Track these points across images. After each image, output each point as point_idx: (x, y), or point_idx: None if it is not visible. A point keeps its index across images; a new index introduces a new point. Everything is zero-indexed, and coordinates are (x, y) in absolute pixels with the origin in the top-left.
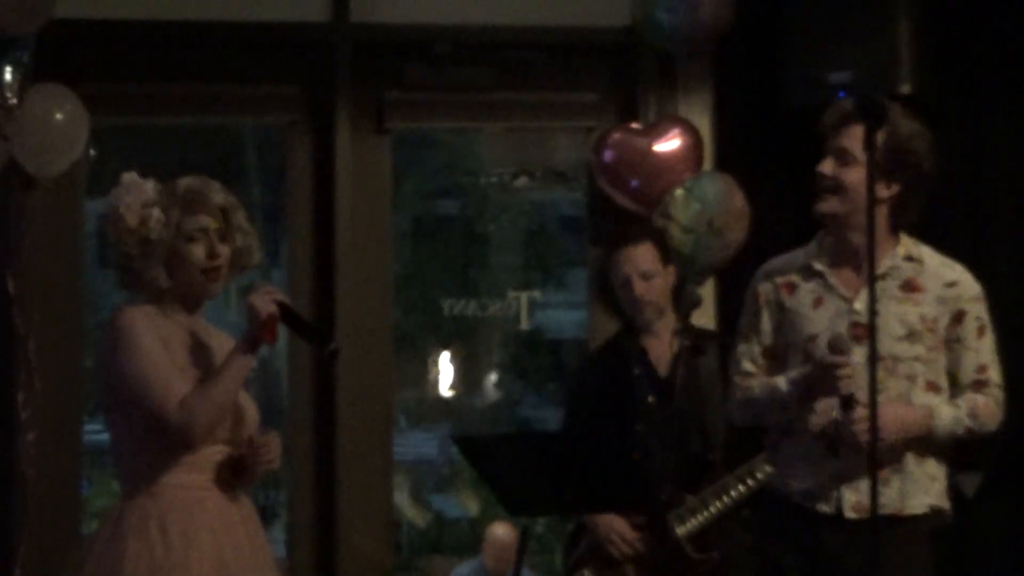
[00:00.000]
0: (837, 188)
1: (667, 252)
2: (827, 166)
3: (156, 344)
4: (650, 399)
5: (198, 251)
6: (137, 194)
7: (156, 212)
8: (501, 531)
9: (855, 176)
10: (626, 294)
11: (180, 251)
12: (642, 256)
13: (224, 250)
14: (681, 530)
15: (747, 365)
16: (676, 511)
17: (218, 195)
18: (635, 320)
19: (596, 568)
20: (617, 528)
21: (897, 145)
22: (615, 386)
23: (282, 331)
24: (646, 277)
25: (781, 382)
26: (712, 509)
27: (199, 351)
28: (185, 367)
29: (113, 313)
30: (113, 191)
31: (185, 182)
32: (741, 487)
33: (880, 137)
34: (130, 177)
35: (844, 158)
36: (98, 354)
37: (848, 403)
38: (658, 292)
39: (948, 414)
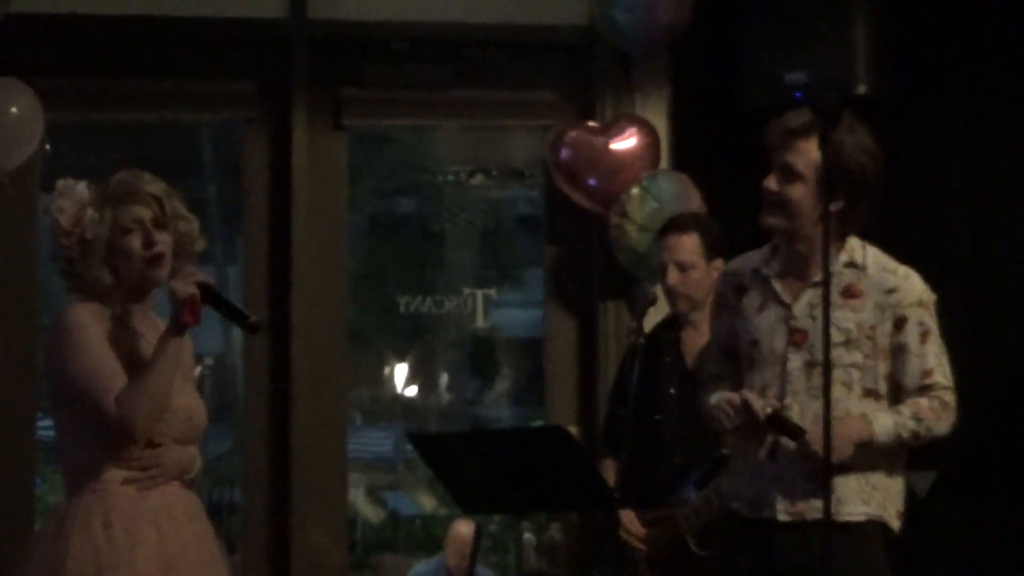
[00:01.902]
0: (781, 203)
1: (713, 246)
2: (772, 182)
3: (100, 341)
4: (672, 391)
5: (135, 242)
6: (71, 197)
7: (90, 211)
8: (464, 529)
9: (799, 192)
10: (661, 282)
11: (118, 245)
12: (683, 246)
13: (163, 238)
14: (687, 528)
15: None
16: (684, 509)
17: (150, 185)
18: (636, 310)
19: (610, 566)
20: (627, 524)
21: (841, 162)
22: (647, 374)
23: (234, 327)
24: (682, 268)
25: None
26: (715, 506)
27: (145, 347)
28: (130, 364)
29: (58, 311)
30: (49, 198)
31: (116, 177)
32: None
33: (823, 154)
34: (64, 183)
35: (788, 174)
36: (44, 352)
37: (795, 434)
38: (694, 284)
39: (887, 419)
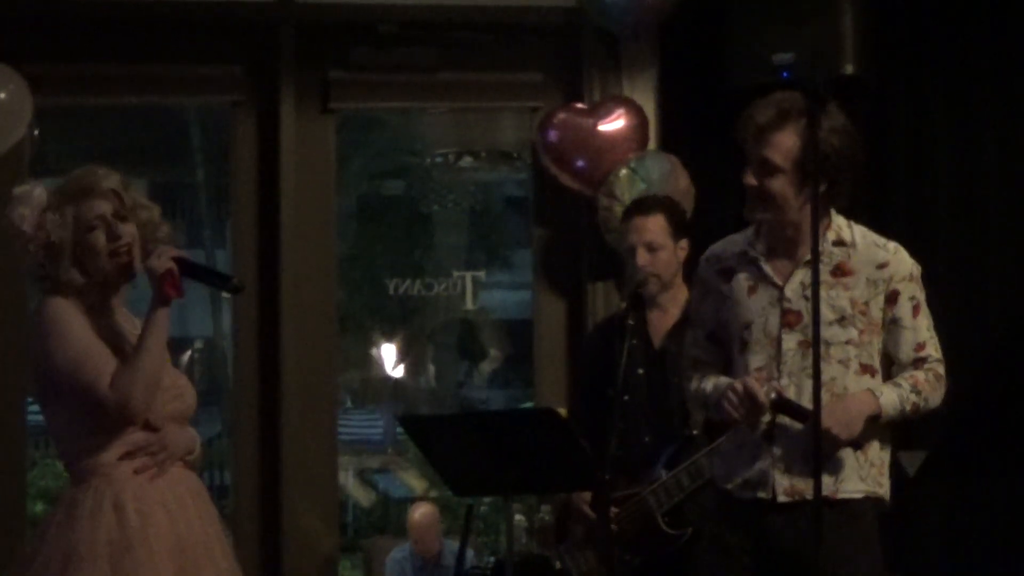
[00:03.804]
0: (763, 197)
1: (680, 226)
2: (751, 177)
3: (84, 330)
4: (639, 371)
5: (100, 238)
6: (29, 202)
7: (51, 214)
8: (417, 514)
9: (778, 184)
10: (630, 264)
11: (84, 243)
12: (651, 227)
13: (127, 229)
14: (656, 507)
15: (694, 351)
16: (652, 487)
17: (106, 180)
18: (625, 295)
19: (575, 543)
20: (587, 499)
21: (816, 148)
22: (613, 355)
23: (223, 311)
24: (651, 248)
25: (709, 386)
26: (685, 487)
27: (126, 334)
28: (114, 350)
29: (39, 304)
30: (7, 207)
31: (71, 176)
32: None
33: (800, 141)
34: (20, 189)
35: (765, 168)
36: (30, 346)
37: (802, 417)
38: (663, 265)
39: (892, 392)
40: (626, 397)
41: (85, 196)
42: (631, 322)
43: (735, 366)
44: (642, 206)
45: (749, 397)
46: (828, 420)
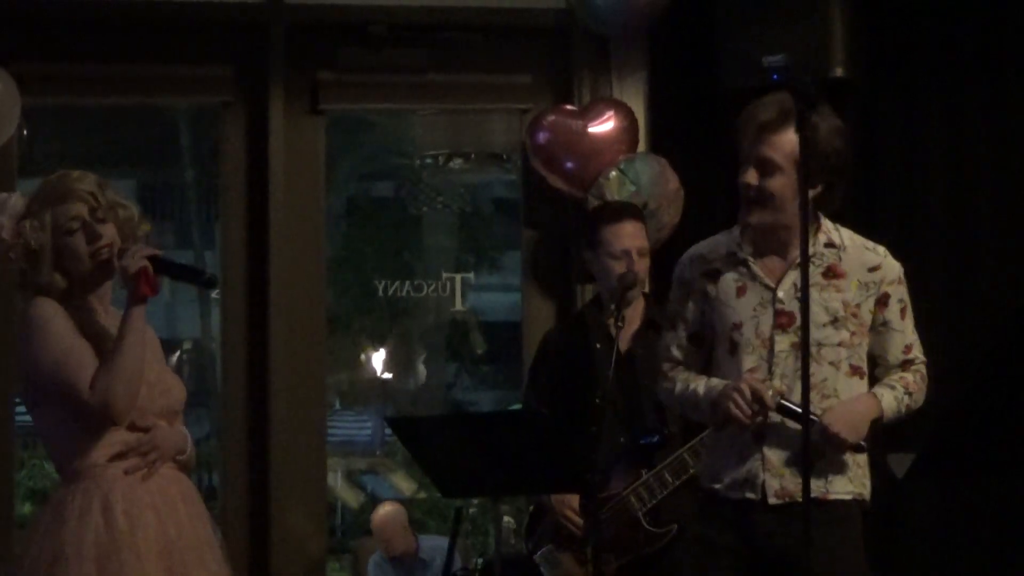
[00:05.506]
0: (763, 198)
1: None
2: (751, 176)
3: (67, 331)
4: (609, 374)
5: (80, 241)
6: (7, 210)
7: (29, 221)
8: (377, 517)
9: (779, 184)
10: (620, 268)
11: (64, 247)
12: (641, 233)
13: (107, 229)
14: (639, 506)
15: (675, 352)
16: (633, 487)
17: (81, 181)
18: (615, 295)
19: (558, 545)
20: (571, 505)
21: (817, 148)
22: (577, 360)
23: (212, 312)
24: (642, 254)
25: (700, 387)
26: (668, 484)
27: (109, 339)
28: (99, 352)
29: (24, 307)
30: None
31: (47, 181)
32: (696, 460)
33: (798, 143)
34: None
35: (766, 168)
36: (17, 349)
37: (797, 418)
38: (646, 270)
39: (890, 395)
40: (597, 400)
41: (61, 200)
42: (620, 325)
43: (722, 367)
44: (632, 212)
45: (756, 399)
46: (836, 424)
